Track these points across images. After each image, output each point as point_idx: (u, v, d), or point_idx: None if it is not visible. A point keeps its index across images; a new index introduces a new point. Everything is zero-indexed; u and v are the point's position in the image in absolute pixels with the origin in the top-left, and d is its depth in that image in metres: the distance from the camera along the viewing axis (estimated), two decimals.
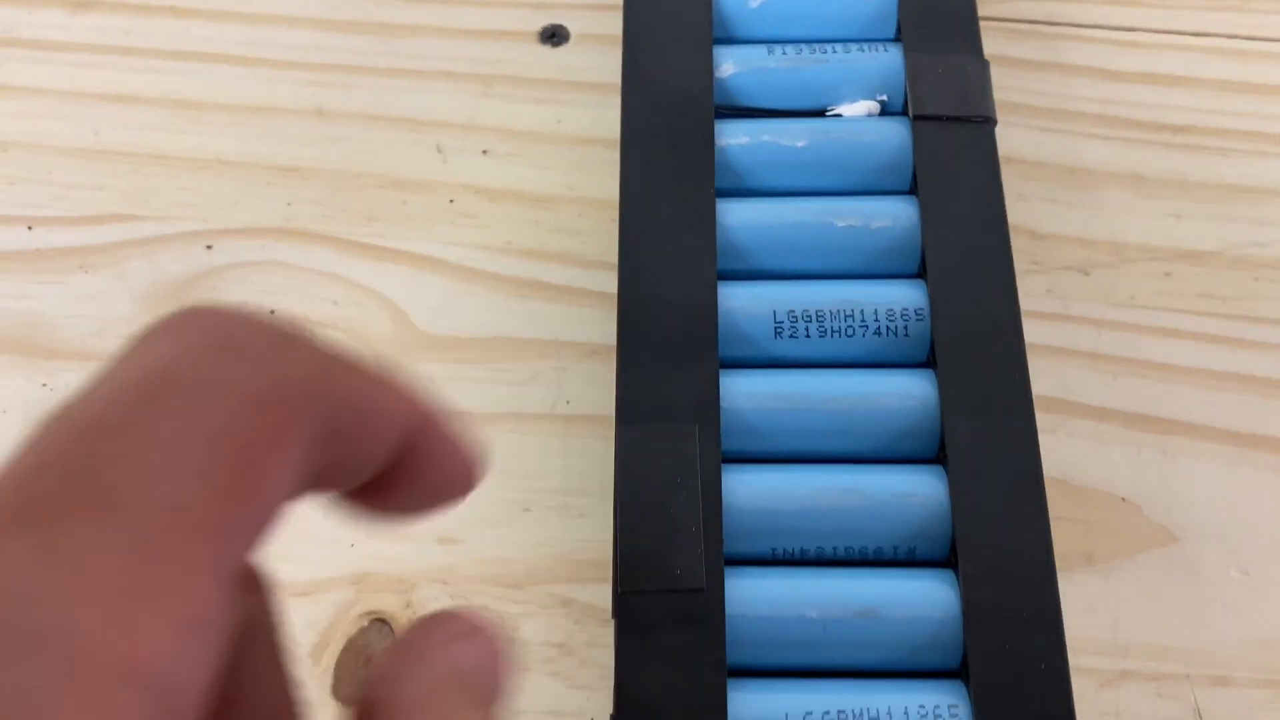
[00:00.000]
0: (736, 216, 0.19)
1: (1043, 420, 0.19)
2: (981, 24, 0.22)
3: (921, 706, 0.16)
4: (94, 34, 0.25)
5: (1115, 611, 0.20)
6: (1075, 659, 0.19)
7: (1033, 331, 0.20)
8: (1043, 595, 0.17)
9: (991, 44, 0.23)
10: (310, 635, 0.20)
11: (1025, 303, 0.20)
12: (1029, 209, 0.23)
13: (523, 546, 0.20)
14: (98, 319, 0.22)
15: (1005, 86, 0.24)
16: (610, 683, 0.16)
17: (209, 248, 0.23)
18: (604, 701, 0.19)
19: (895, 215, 0.20)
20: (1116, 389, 0.22)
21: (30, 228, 0.23)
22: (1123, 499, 0.21)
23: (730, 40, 0.21)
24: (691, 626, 0.16)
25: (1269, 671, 0.19)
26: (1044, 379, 0.21)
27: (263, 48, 0.25)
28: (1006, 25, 0.25)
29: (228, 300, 0.22)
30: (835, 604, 0.17)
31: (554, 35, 0.25)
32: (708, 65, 0.20)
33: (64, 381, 0.21)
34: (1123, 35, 0.25)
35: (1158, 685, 0.19)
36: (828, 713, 0.16)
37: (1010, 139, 0.24)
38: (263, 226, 0.23)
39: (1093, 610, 0.20)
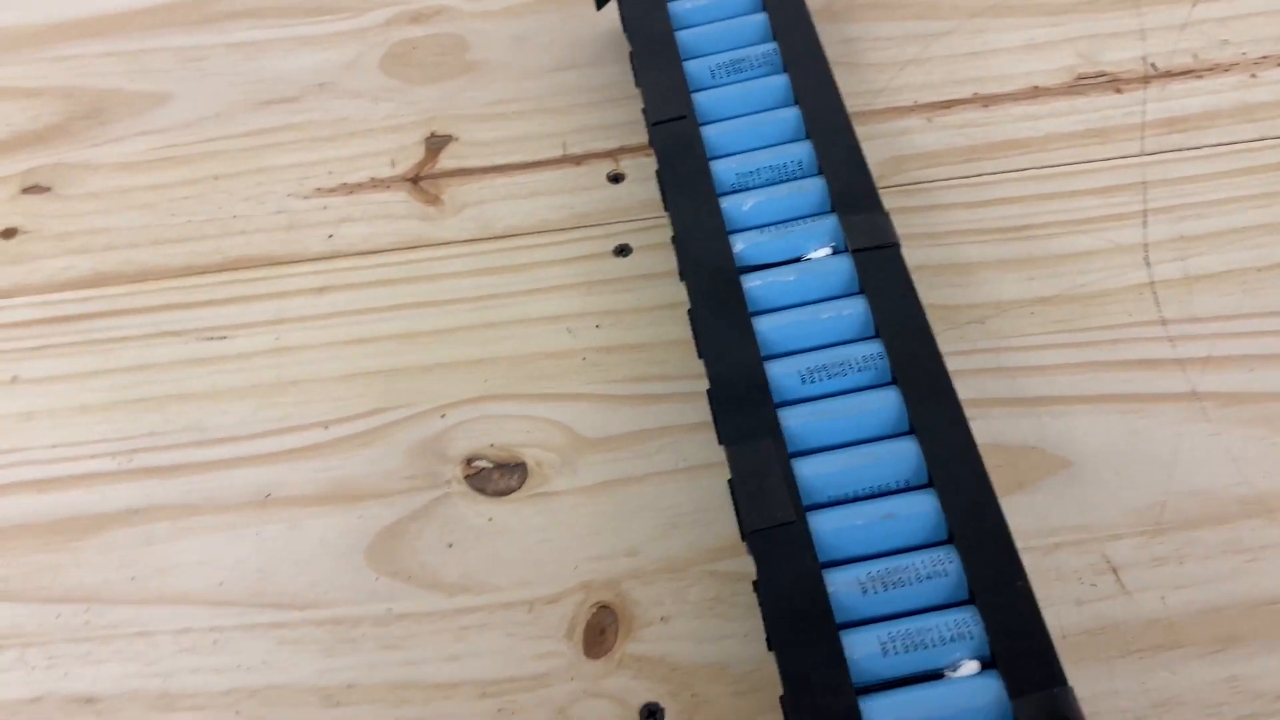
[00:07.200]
0: (766, 324, 0.33)
1: (971, 410, 0.33)
2: (880, 192, 0.37)
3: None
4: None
5: (1043, 511, 0.33)
6: (1025, 541, 0.32)
7: (954, 363, 0.34)
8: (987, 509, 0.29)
9: (889, 201, 0.38)
10: (563, 623, 0.32)
11: (946, 347, 0.34)
12: (937, 292, 0.37)
13: (681, 546, 0.33)
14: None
15: (905, 225, 0.39)
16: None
17: (442, 416, 0.37)
18: (753, 623, 0.31)
19: (855, 306, 0.33)
20: (1015, 386, 0.35)
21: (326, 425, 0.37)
22: (1032, 446, 0.34)
23: (736, 230, 0.36)
24: (791, 544, 0.29)
25: (1141, 526, 0.32)
26: (965, 387, 0.35)
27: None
28: (896, 188, 0.40)
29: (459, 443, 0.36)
30: (868, 514, 0.29)
31: (622, 250, 0.40)
32: (728, 247, 0.35)
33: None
34: (974, 180, 0.40)
35: (1078, 547, 0.32)
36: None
37: (914, 255, 0.38)
38: (470, 397, 0.37)
39: (1029, 512, 0.33)
